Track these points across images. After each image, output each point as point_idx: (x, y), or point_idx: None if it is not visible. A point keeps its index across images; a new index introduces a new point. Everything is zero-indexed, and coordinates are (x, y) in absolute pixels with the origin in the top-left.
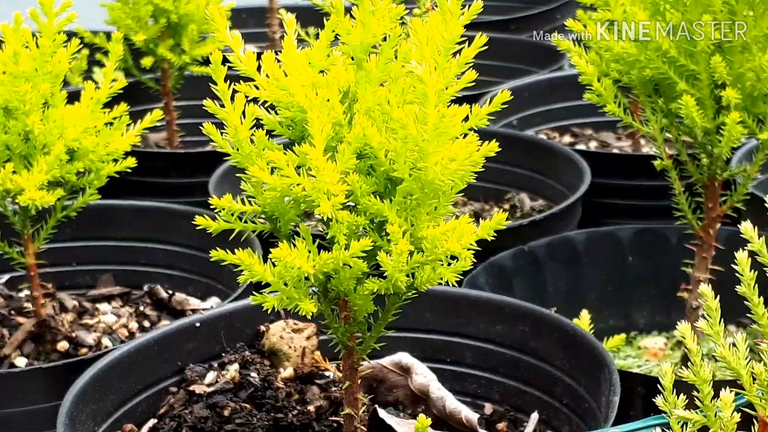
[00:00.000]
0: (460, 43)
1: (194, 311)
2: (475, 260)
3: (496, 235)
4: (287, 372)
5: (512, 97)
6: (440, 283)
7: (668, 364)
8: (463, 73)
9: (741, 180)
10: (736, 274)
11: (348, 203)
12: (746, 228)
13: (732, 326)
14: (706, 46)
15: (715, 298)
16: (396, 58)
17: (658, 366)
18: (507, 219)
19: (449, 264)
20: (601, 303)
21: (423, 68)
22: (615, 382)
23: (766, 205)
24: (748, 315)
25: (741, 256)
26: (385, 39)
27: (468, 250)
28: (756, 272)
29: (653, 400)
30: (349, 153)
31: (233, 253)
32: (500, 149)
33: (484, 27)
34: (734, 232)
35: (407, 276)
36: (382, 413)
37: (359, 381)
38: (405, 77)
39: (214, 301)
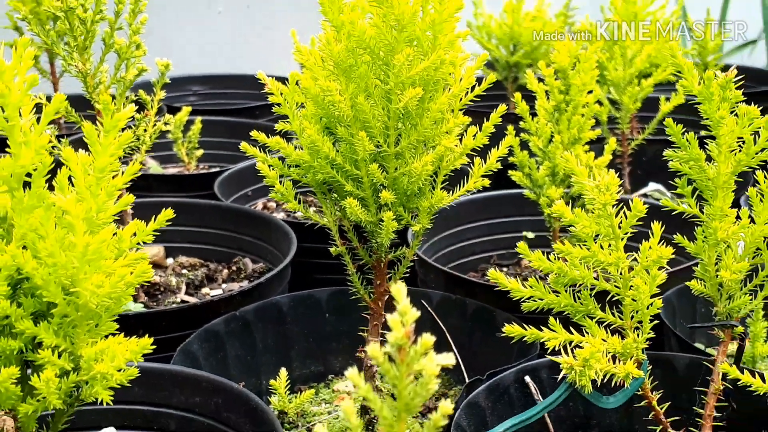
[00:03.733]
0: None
1: None
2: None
3: (211, 301)
4: None
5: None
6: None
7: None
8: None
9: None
10: None
11: None
12: (397, 289)
13: None
14: (365, 155)
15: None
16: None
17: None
18: (233, 279)
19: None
20: (306, 354)
21: (68, 198)
22: None
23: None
24: None
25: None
26: (35, 169)
27: (121, 371)
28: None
29: None
30: (1, 279)
31: None
32: (229, 220)
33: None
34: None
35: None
36: None
37: None
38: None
39: None
